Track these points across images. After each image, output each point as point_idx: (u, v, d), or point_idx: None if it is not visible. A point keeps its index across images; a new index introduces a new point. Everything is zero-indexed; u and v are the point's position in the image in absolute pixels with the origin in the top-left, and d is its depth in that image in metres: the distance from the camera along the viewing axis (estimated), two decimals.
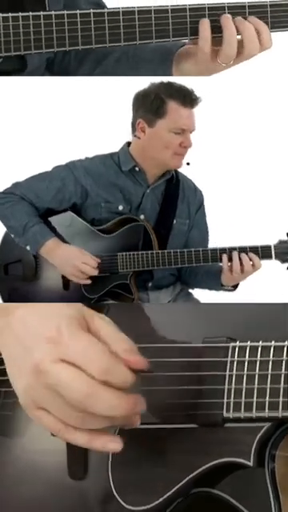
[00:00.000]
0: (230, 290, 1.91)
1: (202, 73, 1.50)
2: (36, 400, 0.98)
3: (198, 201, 2.11)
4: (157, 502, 1.06)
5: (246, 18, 1.44)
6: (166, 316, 1.13)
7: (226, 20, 1.43)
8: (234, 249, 1.79)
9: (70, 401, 0.95)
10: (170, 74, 1.55)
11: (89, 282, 1.88)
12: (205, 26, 1.43)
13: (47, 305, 1.00)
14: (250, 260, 1.77)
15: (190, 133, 1.91)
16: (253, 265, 1.78)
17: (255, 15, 1.44)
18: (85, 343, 0.95)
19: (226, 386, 1.04)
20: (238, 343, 1.05)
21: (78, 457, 1.12)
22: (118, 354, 0.97)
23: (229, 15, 1.43)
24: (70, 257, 1.87)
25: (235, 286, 1.89)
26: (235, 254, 1.78)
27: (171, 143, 1.89)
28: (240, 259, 1.77)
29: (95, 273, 1.87)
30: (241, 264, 1.77)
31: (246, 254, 1.77)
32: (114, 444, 0.99)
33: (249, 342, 1.04)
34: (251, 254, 1.77)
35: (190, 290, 2.09)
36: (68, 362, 0.95)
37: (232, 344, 1.05)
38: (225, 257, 1.79)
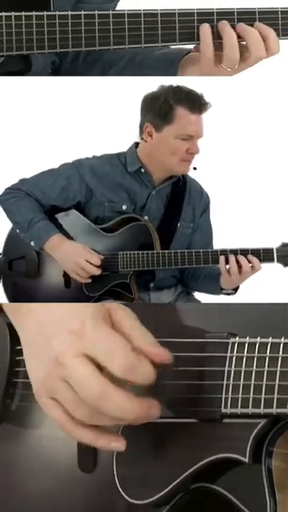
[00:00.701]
0: (230, 294, 1.90)
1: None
2: (49, 389, 0.99)
3: (203, 204, 2.10)
4: (157, 496, 1.07)
5: (253, 25, 1.43)
6: (168, 315, 1.14)
7: (223, 25, 1.43)
8: (235, 251, 1.79)
9: (82, 397, 0.95)
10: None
11: (89, 281, 1.89)
12: (205, 31, 1.43)
13: (71, 304, 1.01)
14: (250, 262, 1.77)
15: (198, 139, 1.90)
16: (252, 266, 1.78)
17: (265, 21, 1.43)
18: (108, 338, 0.96)
19: (225, 382, 1.05)
20: (237, 339, 1.05)
21: (88, 450, 1.13)
22: (142, 348, 0.97)
23: (225, 21, 1.42)
24: (74, 253, 1.88)
25: (235, 290, 1.89)
26: (232, 256, 1.78)
27: (178, 149, 1.89)
28: (238, 261, 1.77)
29: (98, 271, 1.87)
30: (239, 266, 1.77)
31: (245, 256, 1.77)
32: (117, 443, 1.00)
33: (247, 338, 1.05)
34: (250, 256, 1.77)
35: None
36: (88, 357, 0.95)
37: (232, 340, 1.06)
38: (222, 258, 1.79)
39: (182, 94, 1.86)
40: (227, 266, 1.79)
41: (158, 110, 1.88)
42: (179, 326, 1.11)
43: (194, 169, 1.96)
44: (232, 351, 1.06)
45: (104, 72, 1.61)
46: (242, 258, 1.77)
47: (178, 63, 1.53)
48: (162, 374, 1.01)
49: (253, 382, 1.03)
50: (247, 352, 1.04)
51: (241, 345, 1.05)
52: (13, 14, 1.35)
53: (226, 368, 1.05)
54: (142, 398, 0.97)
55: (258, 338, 1.04)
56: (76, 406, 0.97)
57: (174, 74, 1.53)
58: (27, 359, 1.02)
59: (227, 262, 1.79)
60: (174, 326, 1.11)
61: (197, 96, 1.87)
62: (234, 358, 1.05)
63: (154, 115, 1.89)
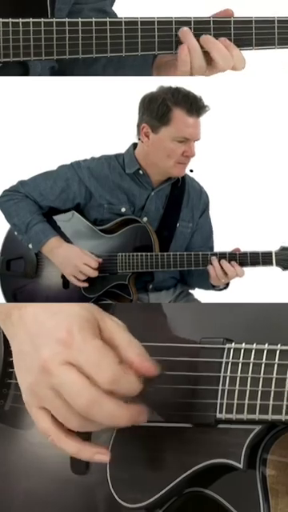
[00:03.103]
0: (221, 289, 1.93)
1: None
2: (39, 398, 0.99)
3: (202, 204, 2.10)
4: (151, 500, 1.07)
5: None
6: (165, 316, 1.13)
7: (184, 34, 1.42)
8: (223, 254, 1.81)
9: (72, 405, 0.96)
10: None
11: (86, 285, 1.89)
12: (184, 50, 1.43)
13: (60, 304, 1.01)
14: (233, 267, 1.79)
15: (195, 142, 1.89)
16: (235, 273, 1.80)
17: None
18: (95, 350, 0.96)
19: (220, 387, 1.05)
20: (233, 345, 1.05)
21: None
22: (129, 360, 0.97)
23: (187, 29, 1.42)
24: (71, 256, 1.88)
25: (227, 285, 1.91)
26: (215, 262, 1.80)
27: (174, 152, 1.88)
28: (222, 267, 1.79)
29: (95, 274, 1.87)
30: (223, 271, 1.79)
31: (228, 261, 1.79)
32: (100, 456, 1.01)
33: (243, 344, 1.05)
34: (233, 263, 1.79)
35: (191, 291, 2.10)
36: (75, 366, 0.96)
37: (227, 345, 1.06)
38: (211, 264, 1.81)
39: (180, 96, 1.85)
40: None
41: (156, 111, 1.86)
42: (176, 328, 1.11)
43: (191, 171, 1.97)
44: (228, 357, 1.06)
45: (86, 68, 1.60)
46: (225, 264, 1.79)
47: (151, 61, 1.53)
48: (156, 379, 1.01)
49: (248, 387, 1.03)
50: (243, 358, 1.04)
51: (237, 350, 1.05)
52: (10, 20, 1.35)
53: (222, 374, 1.06)
54: (131, 404, 0.98)
55: (254, 345, 1.04)
56: (66, 414, 0.98)
57: (149, 73, 1.54)
58: (17, 370, 1.03)
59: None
60: (171, 328, 1.11)
61: (195, 98, 1.85)
62: (229, 364, 1.05)
63: (151, 116, 1.88)
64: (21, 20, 1.35)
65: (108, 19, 1.39)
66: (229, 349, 1.06)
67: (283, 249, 1.79)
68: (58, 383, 0.96)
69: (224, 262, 1.79)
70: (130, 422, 0.98)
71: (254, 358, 1.04)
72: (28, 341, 1.00)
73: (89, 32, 1.38)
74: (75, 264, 1.87)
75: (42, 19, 1.36)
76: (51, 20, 1.37)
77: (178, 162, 1.90)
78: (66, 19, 1.38)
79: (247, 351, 1.04)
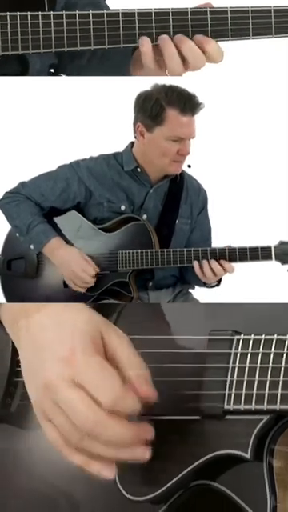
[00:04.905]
0: (213, 286, 1.94)
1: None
2: (44, 412, 1.00)
3: (201, 201, 2.11)
4: (157, 493, 1.07)
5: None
6: (171, 314, 1.14)
7: (163, 41, 1.40)
8: (222, 250, 1.81)
9: (77, 424, 0.96)
10: (129, 74, 1.55)
11: (83, 290, 1.89)
12: (143, 42, 1.40)
13: (66, 312, 1.00)
14: (221, 265, 1.80)
15: (189, 140, 1.89)
16: (224, 269, 1.80)
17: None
18: (97, 370, 0.96)
19: (229, 378, 1.05)
20: (242, 336, 1.06)
21: None
22: (131, 381, 0.97)
23: (166, 36, 1.40)
24: (71, 261, 1.88)
25: (218, 282, 1.92)
26: (205, 262, 1.81)
27: (169, 151, 1.88)
28: (210, 266, 1.80)
29: (92, 281, 1.88)
30: (211, 269, 1.80)
31: (220, 258, 1.80)
32: (107, 471, 1.01)
33: (252, 335, 1.05)
34: (222, 261, 1.80)
35: (190, 290, 2.10)
36: (79, 386, 0.96)
37: (236, 337, 1.06)
38: (196, 263, 1.82)
39: (173, 95, 1.85)
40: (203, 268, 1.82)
41: (150, 111, 1.87)
42: (181, 325, 1.11)
43: (189, 167, 1.97)
44: (237, 348, 1.06)
45: (73, 60, 1.60)
46: (214, 264, 1.80)
47: (129, 56, 1.52)
48: (165, 371, 1.01)
49: (257, 378, 1.04)
50: (252, 349, 1.05)
51: (245, 341, 1.06)
52: (8, 14, 1.36)
53: (231, 364, 1.06)
54: (136, 423, 0.98)
55: (263, 335, 1.05)
56: (69, 431, 0.98)
57: (127, 69, 1.53)
58: (25, 379, 1.04)
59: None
60: (176, 324, 1.12)
61: (189, 96, 1.85)
62: (238, 355, 1.06)
63: (145, 115, 1.89)
64: (18, 13, 1.36)
65: (105, 11, 1.39)
66: (238, 340, 1.06)
67: (282, 243, 1.80)
68: (63, 402, 0.96)
69: (212, 262, 1.80)
70: (134, 441, 0.98)
71: (263, 349, 1.04)
72: (34, 353, 1.00)
73: (86, 24, 1.38)
74: (73, 270, 1.87)
75: (40, 12, 1.36)
76: (48, 13, 1.37)
77: (173, 160, 1.91)
78: (64, 12, 1.38)
79: (256, 342, 1.05)
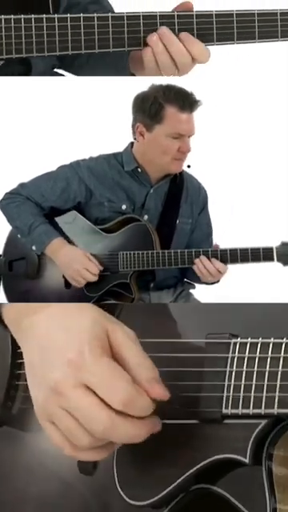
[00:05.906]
0: (213, 283, 1.94)
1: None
2: (49, 415, 0.98)
3: (201, 200, 2.11)
4: (158, 497, 1.06)
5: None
6: (170, 315, 1.13)
7: (151, 39, 1.40)
8: (223, 251, 1.82)
9: (88, 429, 0.95)
10: (127, 74, 1.55)
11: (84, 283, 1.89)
12: (148, 52, 1.41)
13: (70, 312, 0.99)
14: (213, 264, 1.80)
15: (189, 137, 1.90)
16: (219, 271, 1.81)
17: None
18: (107, 371, 0.95)
19: (226, 382, 1.05)
20: (239, 339, 1.05)
21: None
22: (141, 382, 0.96)
23: (155, 35, 1.41)
24: (73, 259, 1.88)
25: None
26: (198, 261, 1.81)
27: (169, 149, 1.89)
28: (205, 266, 1.80)
29: (95, 279, 1.88)
30: (207, 270, 1.81)
31: (209, 259, 1.81)
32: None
33: (249, 339, 1.05)
34: (214, 261, 1.80)
35: (191, 291, 2.10)
36: (88, 388, 0.95)
37: (233, 340, 1.05)
38: (195, 266, 1.83)
39: (171, 93, 1.86)
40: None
41: (149, 110, 1.87)
42: (180, 326, 1.11)
43: (188, 167, 1.97)
44: (234, 352, 1.05)
45: (73, 60, 1.61)
46: (207, 264, 1.80)
47: (126, 57, 1.52)
48: (162, 375, 1.01)
49: (254, 382, 1.03)
50: (249, 352, 1.04)
51: (242, 345, 1.05)
52: (12, 17, 1.36)
53: (228, 368, 1.05)
54: (145, 419, 0.97)
55: (260, 339, 1.04)
56: (77, 435, 0.96)
57: (124, 68, 1.54)
58: (29, 381, 1.02)
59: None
60: (174, 325, 1.11)
61: (187, 94, 1.86)
62: (235, 359, 1.05)
63: (144, 115, 1.89)
64: (23, 16, 1.36)
65: (110, 14, 1.40)
66: (235, 343, 1.05)
67: (284, 244, 1.79)
68: (72, 407, 0.95)
69: (207, 263, 1.80)
70: (146, 436, 0.98)
71: (260, 352, 1.03)
72: (39, 354, 0.98)
73: (91, 27, 1.38)
74: (76, 268, 1.87)
75: (44, 15, 1.37)
76: (53, 16, 1.37)
77: (174, 158, 1.91)
78: (68, 15, 1.38)
79: (253, 345, 1.04)
